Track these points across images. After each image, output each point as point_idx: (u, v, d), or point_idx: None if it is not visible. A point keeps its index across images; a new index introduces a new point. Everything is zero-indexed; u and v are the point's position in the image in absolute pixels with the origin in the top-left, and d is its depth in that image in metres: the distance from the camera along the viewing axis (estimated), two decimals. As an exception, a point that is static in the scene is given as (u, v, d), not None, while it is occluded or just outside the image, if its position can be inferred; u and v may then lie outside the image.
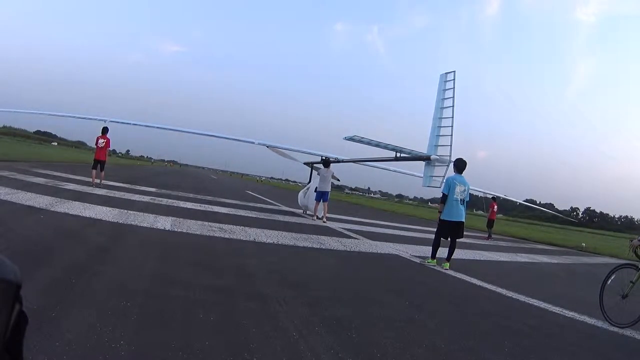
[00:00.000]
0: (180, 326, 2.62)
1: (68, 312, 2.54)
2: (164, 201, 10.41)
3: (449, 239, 6.68)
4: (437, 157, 8.44)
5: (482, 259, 9.32)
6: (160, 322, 2.66)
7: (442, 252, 6.71)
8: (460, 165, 6.93)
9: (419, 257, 7.19)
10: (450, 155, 8.28)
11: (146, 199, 10.35)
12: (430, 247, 6.85)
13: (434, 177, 8.03)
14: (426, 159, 8.55)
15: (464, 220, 6.72)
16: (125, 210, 7.36)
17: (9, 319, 0.46)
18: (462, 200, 6.63)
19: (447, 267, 6.50)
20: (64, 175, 13.22)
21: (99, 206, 7.38)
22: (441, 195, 6.73)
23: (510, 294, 5.34)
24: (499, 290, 5.50)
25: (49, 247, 4.11)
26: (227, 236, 6.54)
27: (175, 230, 6.33)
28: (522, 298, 5.17)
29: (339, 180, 13.43)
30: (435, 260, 6.70)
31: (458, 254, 9.05)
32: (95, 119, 13.56)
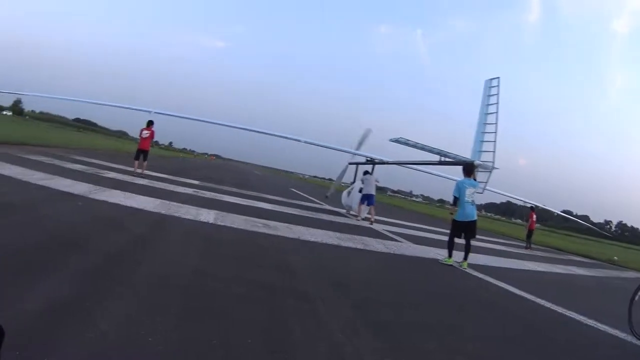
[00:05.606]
0: (220, 322, 2.55)
1: (103, 303, 2.44)
2: (207, 194, 10.47)
3: (462, 237, 7.00)
4: (481, 162, 8.29)
5: (521, 268, 9.14)
6: (200, 316, 2.57)
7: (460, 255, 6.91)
8: (468, 169, 7.23)
9: (459, 262, 7.07)
10: (493, 161, 8.12)
11: (189, 191, 10.44)
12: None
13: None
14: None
15: (476, 218, 7.08)
16: (167, 201, 7.31)
17: None
18: (473, 202, 6.99)
19: (466, 267, 6.79)
20: (104, 163, 13.20)
21: (141, 196, 7.34)
22: (453, 198, 7.05)
23: (548, 304, 5.27)
24: (538, 300, 5.42)
25: (85, 235, 4.03)
26: (271, 232, 6.55)
27: (219, 223, 6.30)
28: (559, 309, 5.09)
29: (378, 182, 13.43)
30: (451, 259, 6.91)
31: (498, 262, 8.94)
32: (140, 110, 13.37)
